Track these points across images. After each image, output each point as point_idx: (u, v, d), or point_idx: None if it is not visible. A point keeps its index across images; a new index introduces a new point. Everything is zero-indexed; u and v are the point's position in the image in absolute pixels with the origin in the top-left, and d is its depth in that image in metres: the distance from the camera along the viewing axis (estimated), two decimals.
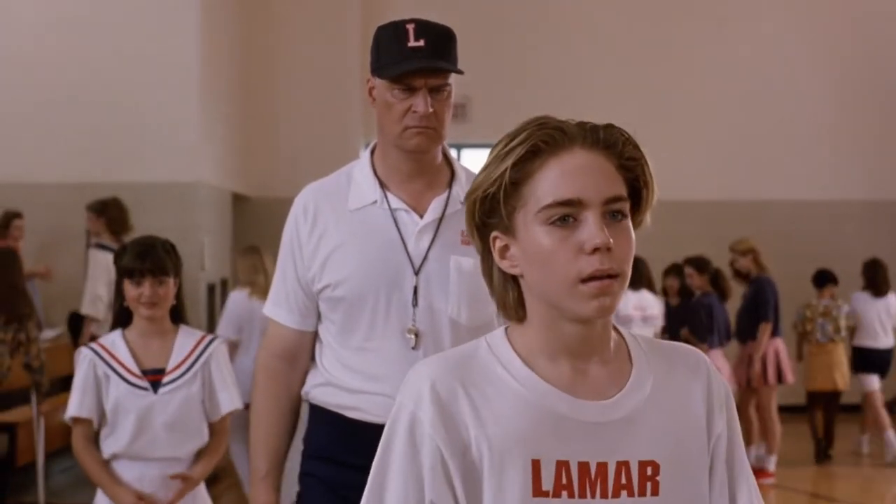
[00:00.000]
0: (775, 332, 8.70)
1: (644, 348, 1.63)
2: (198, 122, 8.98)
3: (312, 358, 2.79)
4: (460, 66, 2.64)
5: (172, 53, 8.79)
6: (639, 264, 7.86)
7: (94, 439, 3.68)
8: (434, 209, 2.67)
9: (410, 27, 2.60)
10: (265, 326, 2.97)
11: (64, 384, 7.22)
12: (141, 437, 3.59)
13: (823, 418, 9.48)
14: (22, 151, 8.76)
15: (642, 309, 8.26)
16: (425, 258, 2.64)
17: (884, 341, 9.65)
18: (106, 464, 3.64)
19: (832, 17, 12.03)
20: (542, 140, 1.53)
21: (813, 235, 11.80)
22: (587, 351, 1.57)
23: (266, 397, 2.81)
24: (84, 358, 3.66)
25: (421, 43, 2.58)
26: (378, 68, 2.64)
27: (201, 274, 8.98)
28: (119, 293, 3.66)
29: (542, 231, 1.52)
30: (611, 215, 1.52)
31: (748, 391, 8.84)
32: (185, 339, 3.70)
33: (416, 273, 2.63)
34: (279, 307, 2.79)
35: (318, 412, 2.75)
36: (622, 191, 1.54)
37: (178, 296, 3.69)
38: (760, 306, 8.62)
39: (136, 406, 3.59)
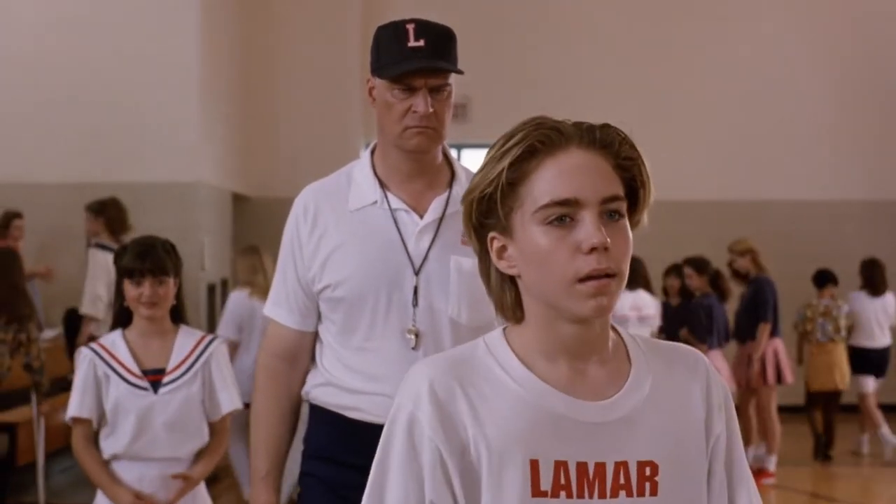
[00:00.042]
0: (774, 333, 8.70)
1: (643, 348, 1.63)
2: (198, 122, 8.99)
3: (313, 358, 2.79)
4: (460, 66, 2.64)
5: (172, 53, 8.79)
6: (635, 264, 7.86)
7: (94, 439, 3.68)
8: (434, 209, 2.67)
9: (410, 27, 2.60)
10: (266, 326, 2.97)
11: (58, 384, 7.23)
12: (141, 438, 3.59)
13: (823, 418, 9.49)
14: (22, 151, 8.76)
15: (638, 309, 8.25)
16: (425, 258, 2.64)
17: (881, 340, 9.68)
18: (105, 464, 3.64)
19: (832, 17, 12.03)
20: (538, 140, 1.53)
21: (813, 235, 11.80)
22: (585, 351, 1.57)
23: (266, 397, 2.81)
24: (84, 358, 3.66)
25: (421, 43, 2.58)
26: (378, 68, 2.64)
27: (201, 274, 8.98)
28: (119, 293, 3.66)
29: (540, 231, 1.52)
30: (608, 215, 1.52)
31: (748, 391, 8.84)
32: (186, 339, 3.70)
33: (417, 273, 2.63)
34: (279, 307, 2.79)
35: (318, 412, 2.75)
36: (619, 190, 1.54)
37: (179, 296, 3.69)
38: (759, 306, 8.62)
39: (136, 406, 3.59)
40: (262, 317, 6.64)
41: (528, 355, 1.57)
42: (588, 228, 1.50)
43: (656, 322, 8.47)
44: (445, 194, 2.68)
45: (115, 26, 8.79)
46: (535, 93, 11.00)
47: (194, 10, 8.95)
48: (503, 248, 1.57)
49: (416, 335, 2.62)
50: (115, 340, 3.67)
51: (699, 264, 8.73)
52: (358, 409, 2.64)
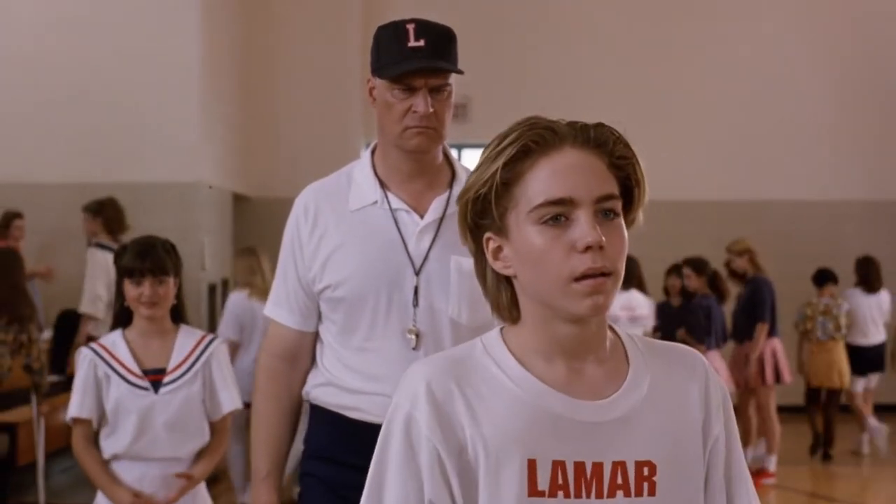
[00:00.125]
0: (772, 333, 8.70)
1: (641, 348, 1.63)
2: (198, 122, 8.99)
3: (313, 358, 2.79)
4: (460, 66, 2.64)
5: (172, 53, 8.79)
6: (630, 264, 7.77)
7: (95, 439, 3.68)
8: (435, 209, 2.67)
9: (410, 27, 2.60)
10: (266, 326, 2.97)
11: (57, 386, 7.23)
12: (142, 438, 3.59)
13: (823, 417, 9.50)
14: (22, 151, 8.76)
15: (630, 309, 8.24)
16: (426, 258, 2.64)
17: (875, 337, 9.73)
18: (105, 464, 3.64)
19: (832, 17, 12.03)
20: (532, 140, 1.53)
21: (813, 235, 11.80)
22: (582, 350, 1.57)
23: (267, 398, 2.81)
24: (84, 358, 3.66)
25: (421, 43, 2.58)
26: (378, 68, 2.64)
27: (202, 274, 8.98)
28: (119, 293, 3.66)
29: (535, 231, 1.52)
30: (603, 214, 1.52)
31: (747, 392, 8.84)
32: (186, 339, 3.71)
33: (417, 273, 2.63)
34: (280, 307, 2.79)
35: (318, 412, 2.75)
36: (614, 189, 1.54)
37: (179, 296, 3.69)
38: (757, 306, 8.62)
39: (136, 406, 3.59)
40: (261, 317, 6.71)
41: (525, 355, 1.57)
42: (583, 227, 1.50)
43: (649, 323, 8.45)
44: (446, 194, 2.68)
45: (115, 26, 8.79)
46: (535, 93, 11.00)
47: (194, 10, 8.95)
48: (499, 249, 1.57)
49: (417, 335, 2.62)
50: (115, 340, 3.67)
51: (698, 265, 8.72)
52: (358, 409, 2.64)
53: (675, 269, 9.17)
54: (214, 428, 3.74)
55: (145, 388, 3.62)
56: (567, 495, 1.51)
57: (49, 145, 8.74)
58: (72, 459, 3.98)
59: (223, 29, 9.86)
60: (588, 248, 1.49)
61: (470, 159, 10.52)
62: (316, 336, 2.78)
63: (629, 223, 1.58)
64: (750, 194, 11.89)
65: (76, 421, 3.66)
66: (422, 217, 2.67)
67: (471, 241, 1.61)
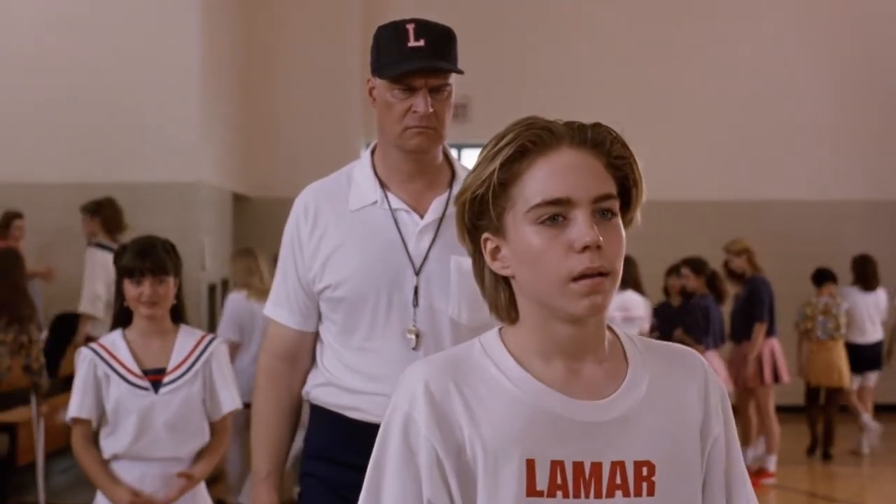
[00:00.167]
0: (770, 332, 8.71)
1: (640, 348, 1.62)
2: (198, 122, 8.98)
3: (313, 358, 2.79)
4: (460, 66, 2.64)
5: (172, 53, 8.79)
6: (627, 264, 7.77)
7: (94, 439, 3.68)
8: (435, 209, 2.67)
9: (410, 27, 2.60)
10: (265, 327, 2.97)
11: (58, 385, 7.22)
12: (142, 438, 3.59)
13: (824, 417, 9.50)
14: (22, 151, 8.76)
15: (625, 310, 8.22)
16: (426, 258, 2.64)
17: (872, 335, 9.75)
18: (104, 463, 3.64)
19: (832, 17, 12.03)
20: (529, 140, 1.53)
21: (813, 235, 11.80)
22: (581, 351, 1.56)
23: (267, 398, 2.81)
24: (84, 358, 3.66)
25: (421, 43, 2.58)
26: (378, 68, 2.64)
27: (202, 274, 8.98)
28: (119, 293, 3.66)
29: (532, 231, 1.52)
30: (600, 213, 1.52)
31: (746, 392, 8.84)
32: (186, 339, 3.71)
33: (417, 273, 2.63)
34: (280, 307, 2.79)
35: (318, 412, 2.75)
36: (611, 189, 1.54)
37: (179, 295, 3.69)
38: (755, 306, 8.62)
39: (136, 406, 3.59)
40: (260, 318, 6.71)
41: (523, 355, 1.57)
42: (580, 227, 1.50)
43: (645, 323, 8.43)
44: (446, 194, 2.68)
45: (115, 26, 8.79)
46: (535, 93, 11.00)
47: (194, 10, 8.95)
48: (496, 249, 1.57)
49: (417, 335, 2.62)
50: (115, 340, 3.67)
51: (696, 265, 8.72)
52: (358, 409, 2.64)
53: (675, 270, 9.16)
54: (214, 428, 3.74)
55: (145, 388, 3.62)
56: (566, 495, 1.51)
57: (49, 145, 8.74)
58: (72, 459, 3.98)
59: (223, 29, 9.86)
60: (586, 248, 1.49)
61: (470, 159, 10.47)
62: (316, 336, 2.78)
63: (627, 223, 1.58)
64: (750, 194, 11.89)
65: (76, 421, 3.66)
66: (422, 217, 2.67)
67: (468, 241, 1.61)
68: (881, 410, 10.44)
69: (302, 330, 2.77)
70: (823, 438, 9.48)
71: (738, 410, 8.65)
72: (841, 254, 10.50)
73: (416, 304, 2.63)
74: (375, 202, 2.68)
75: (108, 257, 7.05)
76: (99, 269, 7.42)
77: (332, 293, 2.67)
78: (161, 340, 3.67)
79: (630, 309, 8.24)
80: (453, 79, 2.64)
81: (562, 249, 1.50)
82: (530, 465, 1.51)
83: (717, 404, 1.62)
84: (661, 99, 11.71)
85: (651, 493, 1.54)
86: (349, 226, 2.68)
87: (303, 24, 11.09)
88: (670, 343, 1.69)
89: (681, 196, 11.33)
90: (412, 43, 2.58)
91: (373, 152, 2.76)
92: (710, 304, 8.56)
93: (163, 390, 3.62)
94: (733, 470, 1.64)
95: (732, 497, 1.64)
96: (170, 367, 3.65)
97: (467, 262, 2.58)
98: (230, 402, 3.74)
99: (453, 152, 2.86)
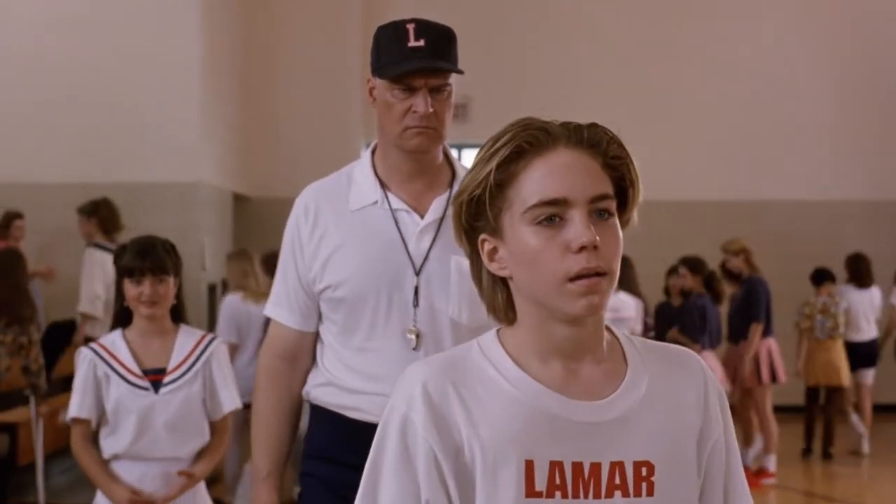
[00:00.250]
0: (767, 332, 8.71)
1: (639, 349, 1.63)
2: (198, 122, 8.99)
3: (314, 358, 2.79)
4: (460, 66, 2.64)
5: (172, 53, 8.79)
6: (623, 265, 7.76)
7: (93, 438, 3.68)
8: (435, 209, 2.67)
9: (411, 27, 2.60)
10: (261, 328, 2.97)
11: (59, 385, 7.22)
12: (142, 438, 3.59)
13: (823, 416, 9.50)
14: (22, 151, 8.76)
15: (615, 310, 8.18)
16: (426, 258, 2.64)
17: (867, 333, 9.76)
18: (104, 463, 3.64)
19: (832, 17, 12.03)
20: (525, 141, 1.54)
21: (813, 235, 11.80)
22: (579, 351, 1.56)
23: (267, 398, 2.81)
24: (84, 358, 3.66)
25: (421, 43, 2.58)
26: (378, 68, 2.64)
27: (202, 274, 8.98)
28: (119, 293, 3.66)
29: (529, 231, 1.52)
30: (597, 214, 1.53)
31: (745, 392, 8.84)
32: (186, 339, 3.71)
33: (417, 273, 2.63)
34: (280, 307, 2.79)
35: (318, 412, 2.75)
36: (608, 189, 1.54)
37: (179, 295, 3.69)
38: (752, 306, 8.63)
39: (137, 406, 3.59)
40: (257, 319, 6.71)
41: (521, 356, 1.57)
42: (577, 227, 1.50)
43: (636, 325, 8.39)
44: (446, 194, 2.68)
45: (115, 26, 8.79)
46: (535, 93, 11.00)
47: (194, 10, 8.95)
48: (494, 250, 1.57)
49: (417, 335, 2.62)
50: (115, 340, 3.67)
51: (694, 264, 8.71)
52: (358, 409, 2.64)
53: (675, 270, 9.16)
54: (215, 427, 3.74)
55: (145, 388, 3.62)
56: (565, 496, 1.51)
57: (49, 145, 8.74)
58: (72, 460, 3.98)
59: (223, 29, 9.86)
60: (582, 248, 1.49)
61: (470, 159, 10.49)
62: (316, 336, 2.78)
63: (624, 223, 1.58)
64: (750, 194, 11.89)
65: (75, 420, 3.66)
66: (422, 217, 2.67)
67: (466, 242, 1.61)
68: (882, 410, 10.44)
69: (302, 330, 2.77)
70: (823, 438, 9.48)
71: (738, 411, 8.65)
72: (841, 254, 10.49)
73: (416, 304, 2.63)
74: (376, 202, 2.68)
75: (106, 258, 7.05)
76: (97, 270, 7.42)
77: (333, 293, 2.67)
78: (161, 340, 3.67)
79: (619, 310, 8.22)
80: (453, 79, 2.64)
81: (559, 250, 1.50)
82: (529, 465, 1.51)
83: (716, 407, 1.62)
84: (660, 99, 11.71)
85: (650, 493, 1.53)
86: (349, 226, 2.68)
87: (303, 24, 11.09)
88: (670, 344, 1.69)
89: (681, 196, 11.33)
90: (412, 43, 2.58)
91: (373, 152, 2.76)
92: (706, 304, 8.55)
93: (163, 390, 3.62)
94: (732, 477, 1.64)
95: (731, 499, 1.64)
96: (170, 367, 3.65)
97: (467, 262, 2.60)
98: (230, 401, 3.74)
99: (453, 152, 2.86)
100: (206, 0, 9.16)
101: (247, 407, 4.10)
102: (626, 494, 1.53)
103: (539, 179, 1.52)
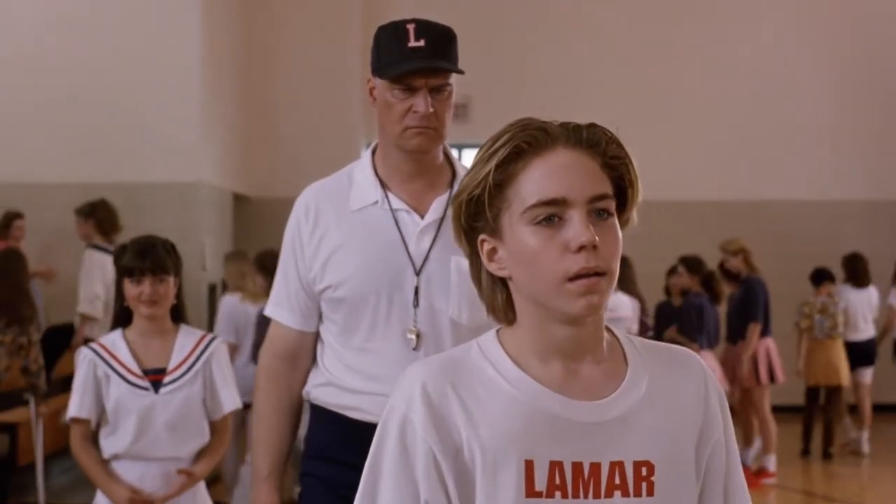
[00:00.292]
0: (765, 332, 8.71)
1: (639, 349, 1.63)
2: (198, 122, 8.98)
3: (314, 358, 2.79)
4: (461, 66, 2.64)
5: (172, 53, 8.78)
6: (622, 265, 7.74)
7: (93, 438, 3.68)
8: (435, 209, 2.67)
9: (411, 27, 2.60)
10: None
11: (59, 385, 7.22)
12: (142, 438, 3.60)
13: (823, 416, 9.50)
14: (22, 151, 8.75)
15: (611, 310, 8.17)
16: (426, 259, 2.64)
17: (865, 332, 9.77)
18: (103, 462, 3.64)
19: (832, 17, 12.03)
20: (524, 141, 1.54)
21: (813, 235, 11.80)
22: (579, 351, 1.57)
23: (268, 398, 2.81)
24: (84, 358, 3.66)
25: (421, 43, 2.58)
26: (378, 68, 2.64)
27: (202, 274, 8.98)
28: (119, 293, 3.66)
29: (528, 231, 1.53)
30: (596, 214, 1.53)
31: (745, 392, 8.84)
32: (186, 339, 3.71)
33: (417, 273, 2.64)
34: (281, 307, 2.79)
35: (319, 412, 2.75)
36: (607, 189, 1.55)
37: (179, 295, 3.69)
38: (750, 306, 8.63)
39: (137, 406, 3.59)
40: (256, 319, 6.70)
41: (521, 356, 1.57)
42: (576, 227, 1.50)
43: (632, 325, 8.38)
44: (446, 194, 2.68)
45: (115, 26, 8.78)
46: (535, 93, 11.00)
47: (194, 10, 8.95)
48: (493, 251, 1.57)
49: (417, 336, 2.62)
50: (115, 340, 3.67)
51: (692, 264, 8.71)
52: (359, 409, 2.64)
53: (675, 269, 9.16)
54: (215, 427, 3.74)
55: (145, 388, 3.62)
56: (565, 495, 1.51)
57: (49, 145, 8.73)
58: (72, 460, 3.98)
59: (223, 29, 9.86)
60: (581, 248, 1.50)
61: (470, 159, 10.50)
62: (317, 336, 2.78)
63: (623, 223, 1.58)
64: (750, 194, 11.89)
65: (74, 420, 3.66)
66: (422, 217, 2.67)
67: (465, 243, 1.61)
68: (882, 410, 10.44)
69: (302, 330, 2.77)
70: (823, 438, 9.49)
71: (737, 411, 8.65)
72: (840, 254, 10.49)
73: (416, 304, 2.63)
74: (376, 202, 2.68)
75: (105, 258, 7.05)
76: (96, 270, 7.41)
77: (333, 293, 2.67)
78: (161, 340, 3.68)
79: (616, 309, 8.21)
80: (453, 79, 2.64)
81: (558, 250, 1.51)
82: (529, 465, 1.51)
83: (716, 407, 1.62)
84: (660, 99, 11.71)
85: (650, 493, 1.54)
86: (350, 226, 2.68)
87: (303, 24, 11.09)
88: (670, 344, 1.69)
89: (680, 196, 11.32)
90: (412, 43, 2.58)
91: (373, 152, 2.76)
92: (704, 303, 8.55)
93: (163, 390, 3.63)
94: (732, 478, 1.64)
95: (731, 500, 1.64)
96: (170, 366, 3.65)
97: (467, 262, 2.60)
98: (231, 401, 3.74)
99: (454, 152, 2.86)
100: (206, 0, 9.15)
101: (244, 407, 4.11)
102: (625, 494, 1.53)
103: (538, 179, 1.52)
